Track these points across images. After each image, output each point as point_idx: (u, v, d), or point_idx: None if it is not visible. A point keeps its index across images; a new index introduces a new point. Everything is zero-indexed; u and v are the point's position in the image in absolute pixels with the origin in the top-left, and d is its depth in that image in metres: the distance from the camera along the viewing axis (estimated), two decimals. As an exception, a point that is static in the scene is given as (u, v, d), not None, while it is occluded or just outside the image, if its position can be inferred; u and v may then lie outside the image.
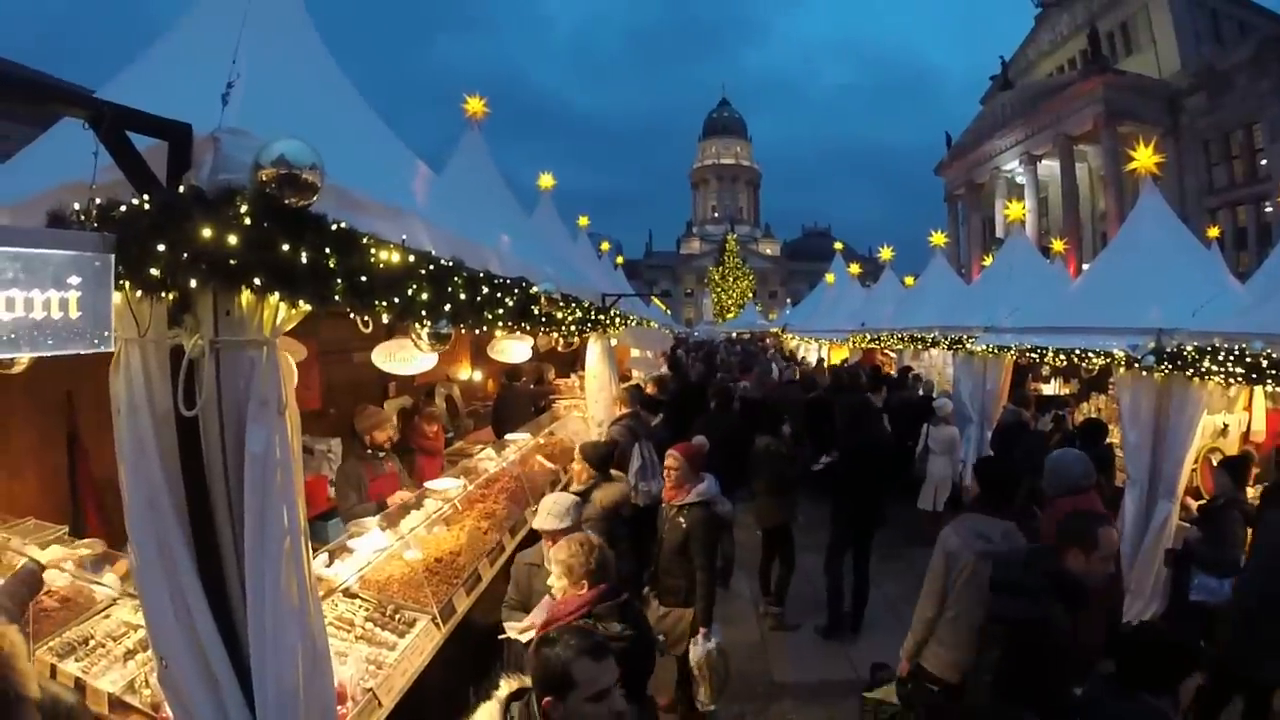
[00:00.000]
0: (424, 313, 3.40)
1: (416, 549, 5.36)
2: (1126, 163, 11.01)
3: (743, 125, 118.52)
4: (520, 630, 4.30)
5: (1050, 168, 50.25)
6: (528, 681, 2.91)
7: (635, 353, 16.41)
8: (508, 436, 9.25)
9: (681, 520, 5.80)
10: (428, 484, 6.81)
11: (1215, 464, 7.58)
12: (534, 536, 5.21)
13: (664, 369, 16.69)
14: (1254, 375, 7.01)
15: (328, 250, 2.58)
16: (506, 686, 2.92)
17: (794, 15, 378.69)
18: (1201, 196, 41.70)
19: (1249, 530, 6.32)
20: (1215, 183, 41.81)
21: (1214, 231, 19.21)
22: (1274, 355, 6.82)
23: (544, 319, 5.96)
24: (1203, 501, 7.64)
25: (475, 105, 8.68)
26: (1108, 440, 9.20)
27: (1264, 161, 38.37)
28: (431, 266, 3.43)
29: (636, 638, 3.75)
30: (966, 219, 61.62)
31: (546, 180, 12.82)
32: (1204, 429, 8.51)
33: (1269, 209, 36.53)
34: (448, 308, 3.60)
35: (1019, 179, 53.69)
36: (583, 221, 17.70)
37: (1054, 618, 3.70)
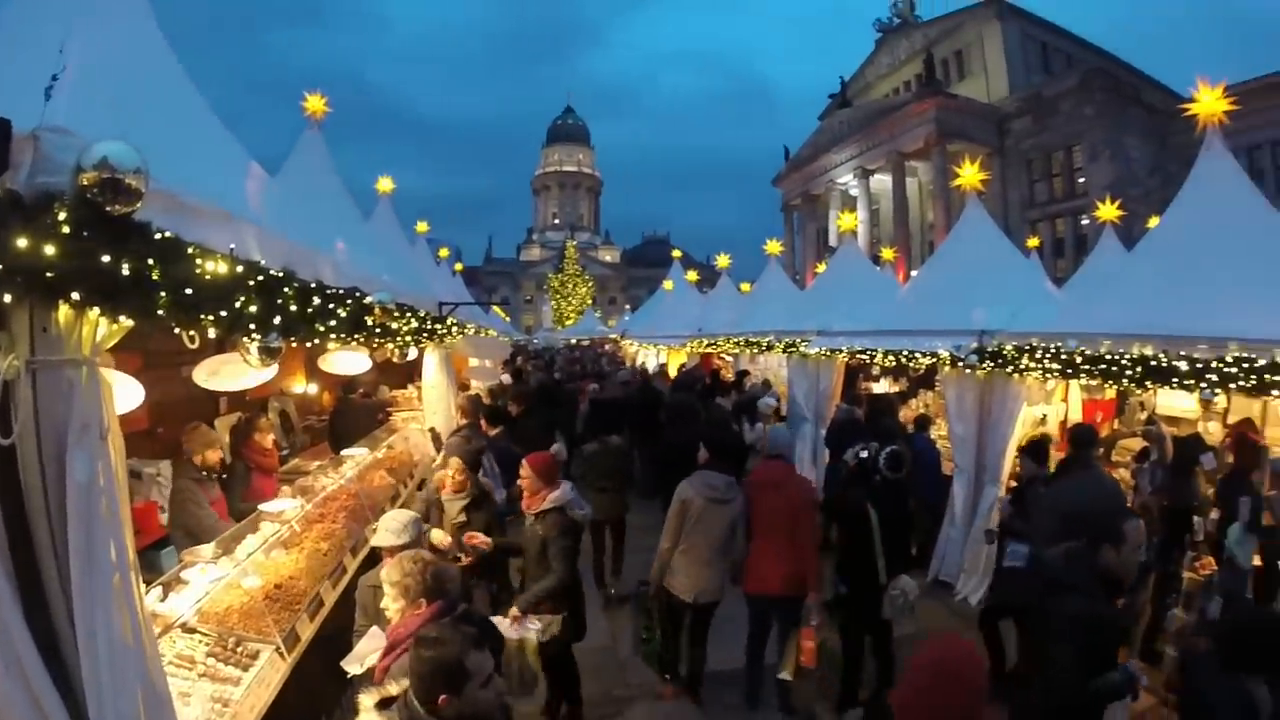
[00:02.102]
0: (253, 326, 3.24)
1: (255, 576, 5.06)
2: (954, 178, 11.61)
3: (586, 132, 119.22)
4: (363, 664, 4.10)
5: (883, 181, 52.71)
6: (389, 690, 2.88)
7: (474, 362, 16.08)
8: (345, 452, 8.85)
9: (539, 528, 5.77)
10: (263, 506, 6.32)
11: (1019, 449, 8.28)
12: (377, 556, 5.04)
13: (504, 377, 16.48)
14: (1069, 371, 7.88)
15: (151, 261, 2.42)
16: (369, 698, 2.86)
17: (635, 23, 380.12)
18: (1024, 209, 45.47)
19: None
20: (1037, 197, 45.71)
21: (1034, 241, 20.23)
22: (1087, 352, 7.58)
23: (378, 330, 5.81)
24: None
25: (315, 103, 8.26)
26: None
27: (1082, 179, 42.33)
28: (261, 277, 3.27)
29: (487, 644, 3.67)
30: (802, 228, 63.80)
31: (385, 184, 12.20)
32: (1024, 420, 9.21)
33: (1085, 221, 39.86)
34: (278, 320, 3.44)
35: (853, 191, 55.99)
36: (421, 227, 16.82)
37: (1105, 609, 4.05)
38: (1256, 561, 6.32)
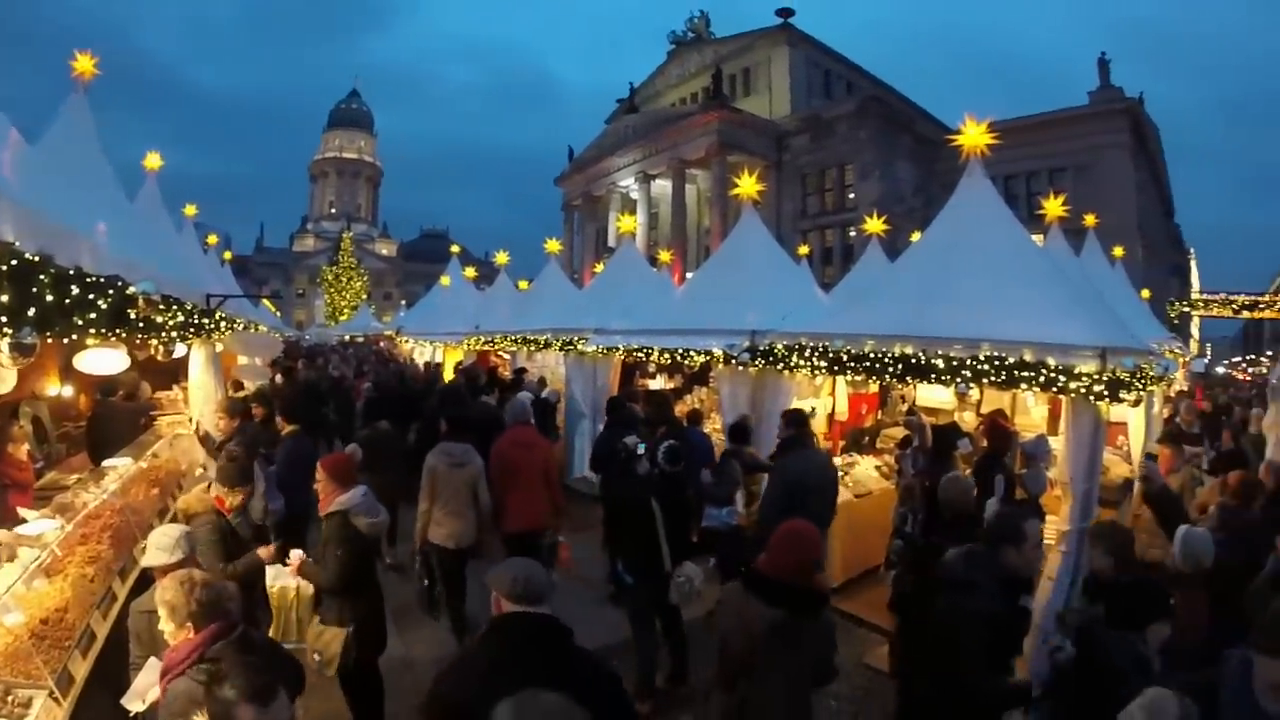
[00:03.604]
0: (4, 319, 2.95)
1: (17, 611, 4.41)
2: (732, 188, 12.17)
3: (370, 119, 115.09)
4: (145, 700, 3.75)
5: (663, 187, 54.34)
6: None
7: (243, 360, 15.15)
8: (106, 463, 7.97)
9: (325, 531, 5.55)
10: (19, 529, 5.65)
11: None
12: (149, 579, 4.55)
13: (277, 377, 15.73)
14: (835, 367, 8.69)
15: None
16: None
17: (419, 8, 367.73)
18: (796, 220, 48.95)
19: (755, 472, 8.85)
20: (809, 209, 49.44)
21: (804, 249, 21.37)
22: (852, 351, 8.35)
23: (142, 324, 5.46)
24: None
25: (84, 64, 7.59)
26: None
27: (852, 195, 46.27)
28: (15, 262, 2.99)
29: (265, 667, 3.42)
30: (581, 228, 64.53)
31: (153, 160, 11.19)
32: None
33: (853, 233, 42.95)
34: (32, 313, 3.15)
35: (633, 194, 57.22)
36: (189, 211, 15.58)
37: (1005, 608, 4.26)
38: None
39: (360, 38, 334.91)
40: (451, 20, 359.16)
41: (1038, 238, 11.53)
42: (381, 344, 36.13)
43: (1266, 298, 45.75)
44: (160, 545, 4.34)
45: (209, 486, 6.07)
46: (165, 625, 3.54)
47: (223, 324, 9.09)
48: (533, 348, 16.03)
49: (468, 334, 20.14)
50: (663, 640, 6.92)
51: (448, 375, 19.32)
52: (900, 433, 10.63)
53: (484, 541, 7.74)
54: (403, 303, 77.69)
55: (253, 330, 14.94)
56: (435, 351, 24.23)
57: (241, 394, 10.42)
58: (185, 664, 3.29)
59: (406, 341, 28.50)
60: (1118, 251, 18.45)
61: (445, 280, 27.61)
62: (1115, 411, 7.55)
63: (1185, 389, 17.44)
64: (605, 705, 3.00)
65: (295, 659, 4.01)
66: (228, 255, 24.64)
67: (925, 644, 4.62)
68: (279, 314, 45.51)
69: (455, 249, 30.75)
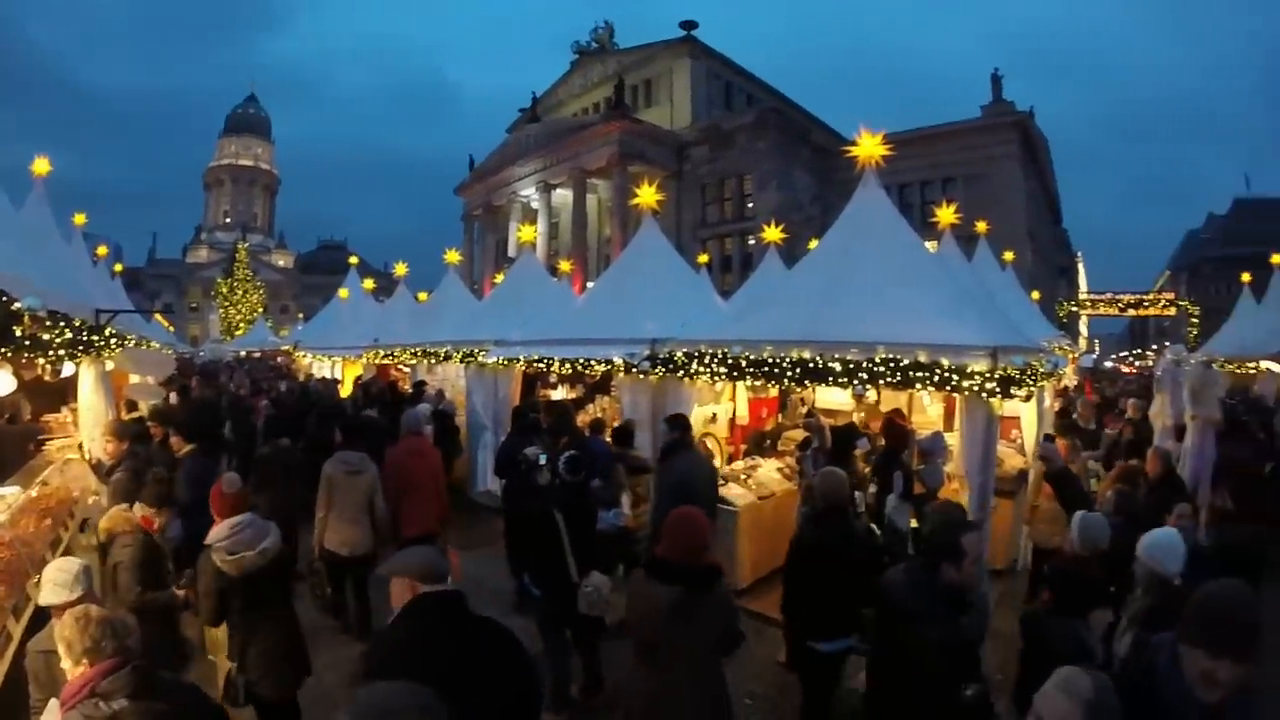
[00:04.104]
0: None
1: None
2: (633, 197, 12.33)
3: (267, 124, 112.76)
4: None
5: (564, 196, 54.74)
6: None
7: (134, 378, 14.53)
8: None
9: None
10: None
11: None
12: (45, 616, 4.34)
13: (171, 396, 15.19)
14: (735, 374, 8.95)
15: None
16: None
17: (317, 8, 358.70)
18: (696, 229, 49.88)
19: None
20: (708, 218, 50.57)
21: (704, 258, 21.67)
22: (751, 357, 8.58)
23: (28, 341, 5.26)
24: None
25: None
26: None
27: (751, 204, 47.52)
28: None
29: (167, 710, 3.24)
30: (482, 238, 64.36)
31: (41, 165, 10.39)
32: (697, 419, 9.97)
33: (751, 241, 44.13)
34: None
35: (534, 204, 57.31)
36: (79, 220, 14.72)
37: (955, 630, 4.36)
38: (913, 524, 7.20)
39: (257, 36, 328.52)
40: (349, 20, 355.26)
41: (931, 244, 11.95)
42: (279, 359, 35.30)
43: (1150, 296, 47.74)
44: (58, 581, 4.14)
45: (132, 505, 5.91)
46: (65, 663, 3.40)
47: (113, 341, 8.63)
48: (433, 360, 15.84)
49: (367, 348, 19.82)
50: (574, 650, 6.89)
51: (346, 390, 19.21)
52: (800, 435, 10.81)
53: (381, 553, 7.49)
54: (300, 316, 75.84)
55: (145, 347, 14.46)
56: (334, 366, 23.80)
57: (135, 415, 10.04)
58: (76, 699, 3.16)
59: (304, 356, 27.90)
60: (1008, 256, 19.22)
61: (344, 293, 27.03)
62: (1008, 406, 7.91)
63: (1075, 383, 18.12)
64: (506, 664, 3.45)
65: (212, 702, 3.84)
66: (118, 267, 23.49)
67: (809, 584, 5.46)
68: (172, 329, 44.03)
69: (354, 260, 30.11)
